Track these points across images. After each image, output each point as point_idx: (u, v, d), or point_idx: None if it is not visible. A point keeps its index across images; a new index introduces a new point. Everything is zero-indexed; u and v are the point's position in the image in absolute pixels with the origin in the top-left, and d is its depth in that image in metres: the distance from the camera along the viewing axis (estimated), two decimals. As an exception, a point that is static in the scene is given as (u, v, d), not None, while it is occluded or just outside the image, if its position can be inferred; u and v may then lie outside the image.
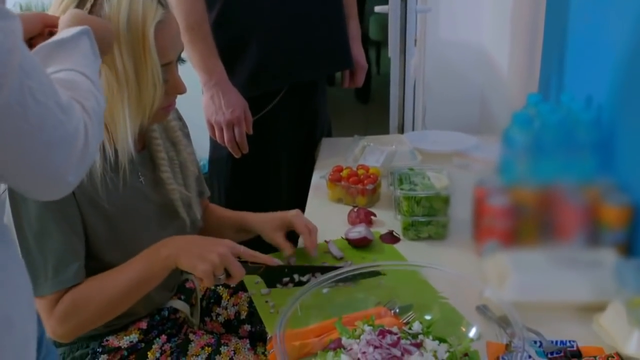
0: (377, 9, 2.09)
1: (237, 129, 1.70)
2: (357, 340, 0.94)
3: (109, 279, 1.11)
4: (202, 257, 1.08)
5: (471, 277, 1.06)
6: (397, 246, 1.37)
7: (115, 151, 1.11)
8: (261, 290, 1.22)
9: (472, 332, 0.98)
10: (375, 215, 1.47)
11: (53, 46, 0.84)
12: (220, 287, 1.42)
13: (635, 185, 1.17)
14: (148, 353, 1.21)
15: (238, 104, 1.69)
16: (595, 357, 0.93)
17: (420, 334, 0.97)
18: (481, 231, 1.29)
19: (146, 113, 1.11)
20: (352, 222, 1.45)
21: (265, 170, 1.86)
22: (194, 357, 1.22)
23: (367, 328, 0.97)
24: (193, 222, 1.29)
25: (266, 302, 1.21)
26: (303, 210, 1.57)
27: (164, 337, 1.24)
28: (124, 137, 1.09)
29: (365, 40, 2.08)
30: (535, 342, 0.96)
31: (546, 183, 1.22)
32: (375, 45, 5.74)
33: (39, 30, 1.00)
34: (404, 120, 2.15)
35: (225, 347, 1.25)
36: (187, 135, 1.36)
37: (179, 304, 1.30)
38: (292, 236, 1.34)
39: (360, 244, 1.34)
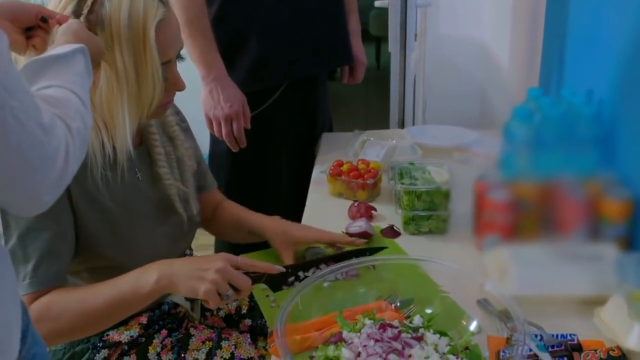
0: (377, 3, 2.08)
1: (236, 123, 1.70)
2: (358, 334, 0.95)
3: (91, 292, 1.07)
4: (201, 277, 1.02)
5: (472, 271, 1.06)
6: (397, 240, 1.37)
7: (114, 148, 1.10)
8: (260, 285, 1.22)
9: (473, 326, 0.99)
10: (375, 210, 1.47)
11: (47, 60, 0.83)
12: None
13: (636, 179, 1.17)
14: (149, 347, 1.21)
15: (236, 99, 1.68)
16: (596, 350, 0.92)
17: (420, 327, 0.97)
18: (482, 225, 1.29)
19: (145, 110, 1.10)
20: (353, 217, 1.45)
21: (265, 165, 1.86)
22: (195, 351, 1.22)
23: (367, 322, 0.97)
24: (190, 218, 1.29)
25: (267, 296, 1.21)
26: (303, 205, 1.57)
27: (164, 331, 1.24)
28: (123, 134, 1.08)
29: (365, 36, 2.06)
30: (535, 336, 0.96)
31: (547, 177, 1.22)
32: (375, 41, 5.74)
33: (36, 22, 0.99)
34: (404, 114, 2.14)
35: (226, 342, 1.25)
36: (186, 129, 1.36)
37: (179, 299, 1.30)
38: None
39: (361, 238, 1.34)
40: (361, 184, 1.54)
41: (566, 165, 1.22)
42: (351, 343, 0.93)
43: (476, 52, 2.88)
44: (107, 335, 1.20)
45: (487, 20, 2.81)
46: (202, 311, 1.37)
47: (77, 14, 1.02)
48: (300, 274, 1.17)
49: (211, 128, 1.75)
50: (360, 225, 1.36)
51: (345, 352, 0.91)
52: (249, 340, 1.28)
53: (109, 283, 1.07)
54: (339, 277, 1.06)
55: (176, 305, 1.29)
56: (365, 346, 0.91)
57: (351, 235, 1.34)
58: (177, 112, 1.34)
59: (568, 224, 1.19)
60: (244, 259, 1.10)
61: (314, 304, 1.02)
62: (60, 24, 0.98)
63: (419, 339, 0.93)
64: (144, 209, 1.21)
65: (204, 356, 1.21)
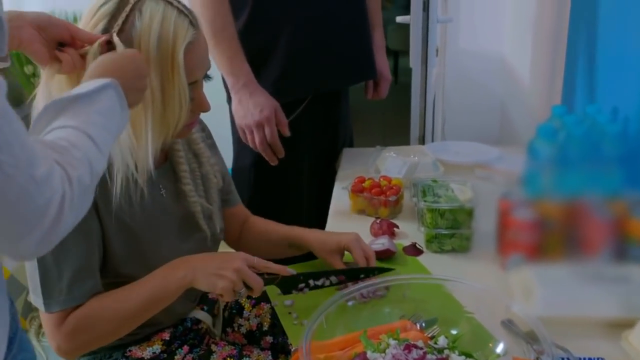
0: (399, 19, 2.09)
1: (268, 129, 1.66)
2: (383, 354, 0.94)
3: (122, 296, 1.09)
4: (219, 274, 1.07)
5: (496, 291, 1.05)
6: (420, 258, 1.36)
7: (136, 166, 1.10)
8: (284, 302, 1.22)
9: (500, 348, 0.97)
10: (398, 227, 1.47)
11: (68, 101, 0.81)
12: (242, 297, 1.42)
13: (663, 199, 1.16)
14: (171, 364, 1.21)
15: (266, 104, 1.66)
16: (624, 374, 0.91)
17: (446, 348, 0.96)
18: (505, 244, 1.27)
19: (170, 131, 1.10)
20: (375, 234, 1.44)
21: (288, 179, 1.85)
22: (217, 368, 1.22)
23: (392, 342, 0.96)
24: (213, 235, 1.29)
25: (289, 313, 1.21)
26: (324, 220, 1.57)
27: (186, 347, 1.24)
28: (145, 154, 1.08)
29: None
30: (562, 359, 0.95)
31: (572, 196, 1.20)
32: (393, 55, 5.74)
33: (67, 39, 1.00)
34: (425, 130, 2.14)
35: (247, 359, 1.24)
36: (212, 146, 1.36)
37: (201, 315, 1.31)
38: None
39: (384, 256, 1.34)
40: (383, 201, 1.53)
41: (591, 184, 1.21)
42: (376, 363, 0.93)
43: (496, 67, 2.87)
44: (130, 351, 1.20)
45: (507, 35, 2.80)
46: (223, 327, 1.37)
47: (107, 32, 1.03)
48: (311, 282, 1.20)
49: (245, 139, 1.72)
50: (382, 242, 1.35)
51: (370, 372, 0.91)
52: (270, 357, 1.27)
53: (139, 283, 1.10)
54: (364, 295, 1.06)
55: (198, 321, 1.30)
56: (390, 367, 0.90)
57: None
58: (203, 129, 1.35)
59: (593, 244, 1.18)
60: (259, 260, 1.13)
61: (338, 323, 1.01)
62: (90, 44, 1.00)
63: (445, 361, 0.92)
64: (168, 225, 1.21)
65: (225, 373, 1.21)
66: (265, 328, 1.36)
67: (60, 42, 1.00)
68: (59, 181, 0.72)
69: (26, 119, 1.02)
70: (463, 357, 0.94)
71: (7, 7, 0.77)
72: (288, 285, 1.18)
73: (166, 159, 1.24)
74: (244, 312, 1.39)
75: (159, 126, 1.08)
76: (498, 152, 1.87)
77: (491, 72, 2.88)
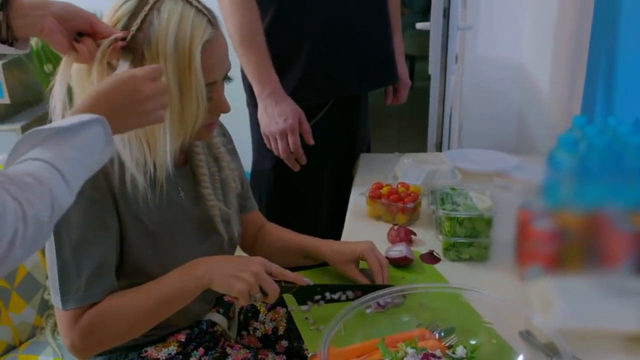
0: (419, 25, 2.09)
1: (291, 137, 1.67)
2: (400, 363, 0.94)
3: (139, 294, 1.10)
4: (237, 277, 1.07)
5: (515, 301, 1.04)
6: (437, 266, 1.35)
7: (154, 166, 1.10)
8: (301, 307, 1.22)
9: (519, 360, 0.97)
10: (415, 234, 1.46)
11: (48, 132, 0.80)
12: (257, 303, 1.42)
13: (686, 212, 1.14)
14: (186, 366, 1.21)
15: (291, 113, 1.66)
16: (645, 390, 0.90)
17: (464, 358, 0.96)
18: (524, 254, 1.26)
19: (188, 131, 1.10)
20: (392, 241, 1.44)
21: (307, 183, 1.84)
22: (231, 371, 1.22)
23: (410, 350, 0.96)
24: (231, 239, 1.29)
25: (306, 318, 1.21)
26: (340, 226, 1.57)
27: (201, 349, 1.25)
28: (163, 154, 1.08)
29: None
30: (582, 372, 0.94)
31: (593, 208, 1.19)
32: (409, 60, 5.73)
33: (88, 29, 1.01)
34: (442, 137, 2.14)
35: (263, 363, 1.25)
36: (232, 151, 1.36)
37: (217, 317, 1.31)
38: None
39: (401, 263, 1.34)
40: (401, 208, 1.53)
41: (613, 196, 1.19)
42: (394, 372, 0.92)
43: (514, 75, 2.86)
44: (146, 352, 1.21)
45: (527, 42, 2.79)
46: (238, 330, 1.37)
47: (126, 29, 1.04)
48: (327, 294, 1.20)
49: (270, 145, 1.72)
50: (400, 250, 1.35)
51: (388, 381, 0.90)
52: (285, 362, 1.28)
53: (156, 282, 1.10)
54: (381, 304, 1.06)
55: (214, 323, 1.30)
56: (408, 376, 0.90)
57: (391, 260, 1.33)
58: (224, 134, 1.35)
59: (614, 256, 1.17)
60: (277, 267, 1.12)
61: (356, 330, 1.01)
62: (105, 37, 1.01)
63: (463, 371, 0.92)
64: (185, 227, 1.21)
65: (240, 376, 1.21)
66: (280, 332, 1.36)
67: (80, 32, 1.01)
68: (13, 218, 0.70)
69: (45, 117, 1.03)
70: (482, 367, 0.93)
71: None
72: (304, 295, 1.18)
73: (186, 162, 1.24)
74: (260, 315, 1.39)
75: (178, 125, 1.08)
76: (516, 160, 1.86)
77: (509, 80, 2.87)
